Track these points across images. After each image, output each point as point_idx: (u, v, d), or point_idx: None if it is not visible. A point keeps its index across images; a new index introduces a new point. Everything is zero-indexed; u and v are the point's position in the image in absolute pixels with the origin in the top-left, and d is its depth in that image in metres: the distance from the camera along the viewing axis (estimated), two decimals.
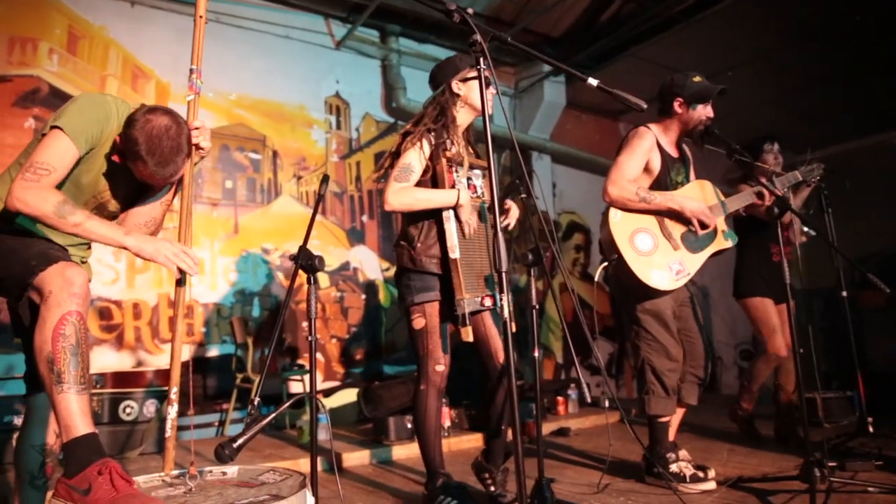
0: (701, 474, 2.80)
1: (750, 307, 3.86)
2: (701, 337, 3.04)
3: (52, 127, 1.86)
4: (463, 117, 2.65)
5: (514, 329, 2.49)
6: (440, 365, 2.51)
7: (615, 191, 2.86)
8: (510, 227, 2.64)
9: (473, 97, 2.61)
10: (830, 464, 2.61)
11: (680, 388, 2.98)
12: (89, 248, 2.24)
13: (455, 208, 2.49)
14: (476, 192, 2.65)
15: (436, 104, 2.62)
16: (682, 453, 2.92)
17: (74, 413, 1.63)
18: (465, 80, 2.60)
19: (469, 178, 2.62)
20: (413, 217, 2.57)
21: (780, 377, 3.89)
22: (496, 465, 2.68)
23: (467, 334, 2.42)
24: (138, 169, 1.89)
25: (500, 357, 2.58)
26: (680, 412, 3.05)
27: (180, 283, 2.00)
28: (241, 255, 5.16)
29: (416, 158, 2.51)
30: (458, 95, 2.61)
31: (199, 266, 1.94)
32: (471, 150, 2.75)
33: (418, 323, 2.53)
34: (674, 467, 2.82)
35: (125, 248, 1.87)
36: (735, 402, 3.99)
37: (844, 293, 3.60)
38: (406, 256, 2.56)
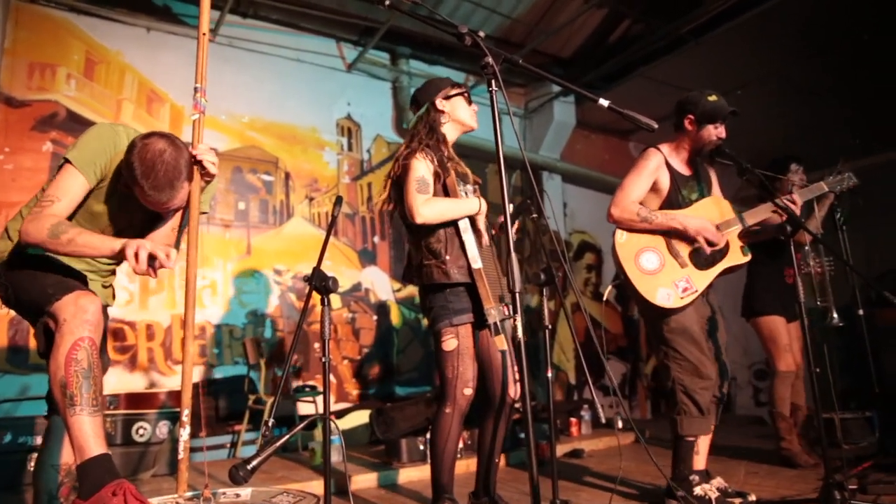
0: (736, 502, 2.74)
1: (762, 325, 3.88)
2: (720, 355, 2.98)
3: (64, 160, 1.91)
4: (450, 133, 2.70)
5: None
6: (468, 388, 2.47)
7: (617, 212, 2.86)
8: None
9: (459, 113, 2.67)
10: (851, 486, 2.55)
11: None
12: (114, 273, 2.27)
13: (476, 217, 2.54)
14: None
15: (424, 123, 2.66)
16: (717, 481, 2.85)
17: (87, 434, 1.66)
18: (448, 97, 2.66)
19: (465, 193, 2.64)
20: (431, 234, 2.55)
21: (792, 396, 3.86)
22: (492, 498, 2.66)
23: (501, 342, 2.41)
24: (138, 194, 1.91)
25: (509, 389, 2.58)
26: (707, 436, 2.99)
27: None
28: (254, 276, 5.19)
29: (426, 171, 2.53)
30: (442, 112, 2.66)
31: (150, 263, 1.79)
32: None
33: (449, 345, 2.49)
34: (698, 490, 2.74)
35: (117, 253, 1.81)
36: (778, 440, 3.79)
37: (861, 311, 3.56)
38: (437, 272, 2.52)
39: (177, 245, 2.20)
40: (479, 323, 2.52)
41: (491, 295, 2.45)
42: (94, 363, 1.73)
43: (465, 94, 2.70)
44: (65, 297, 1.80)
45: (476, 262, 2.47)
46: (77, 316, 1.75)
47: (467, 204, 2.53)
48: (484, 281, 2.45)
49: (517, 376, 2.59)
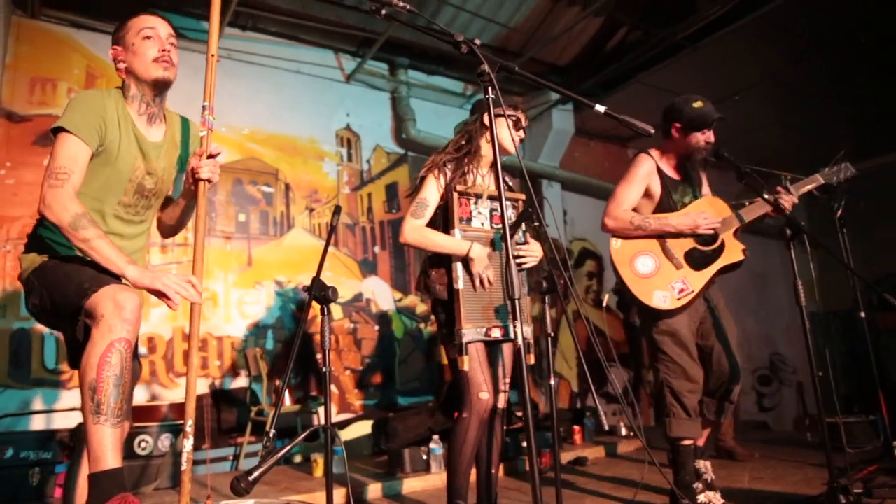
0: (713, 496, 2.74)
1: None
2: (730, 354, 2.95)
3: (57, 129, 1.89)
4: (487, 149, 2.68)
5: (531, 361, 2.50)
6: (483, 392, 2.46)
7: (611, 222, 2.93)
8: (529, 265, 2.65)
9: (500, 133, 2.63)
10: (856, 490, 2.54)
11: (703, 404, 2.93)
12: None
13: (468, 260, 2.50)
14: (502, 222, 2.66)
15: (465, 131, 2.70)
16: (704, 464, 2.86)
17: (106, 446, 1.63)
18: (497, 115, 2.65)
19: (493, 210, 2.65)
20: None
21: None
22: None
23: (463, 363, 2.41)
24: (146, 43, 2.06)
25: (498, 399, 2.58)
26: (705, 430, 2.99)
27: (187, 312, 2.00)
28: (255, 287, 5.19)
29: (432, 191, 2.57)
30: (486, 127, 2.65)
31: (192, 293, 1.95)
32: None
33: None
34: (701, 497, 2.73)
35: (125, 277, 1.82)
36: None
37: (862, 315, 3.55)
38: (422, 285, 2.62)
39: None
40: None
41: (470, 316, 2.46)
42: (125, 369, 1.67)
43: (510, 118, 2.67)
44: (101, 289, 1.73)
45: (457, 283, 2.49)
46: (116, 314, 1.68)
47: (455, 245, 2.51)
48: (460, 302, 2.46)
49: (506, 387, 2.62)
